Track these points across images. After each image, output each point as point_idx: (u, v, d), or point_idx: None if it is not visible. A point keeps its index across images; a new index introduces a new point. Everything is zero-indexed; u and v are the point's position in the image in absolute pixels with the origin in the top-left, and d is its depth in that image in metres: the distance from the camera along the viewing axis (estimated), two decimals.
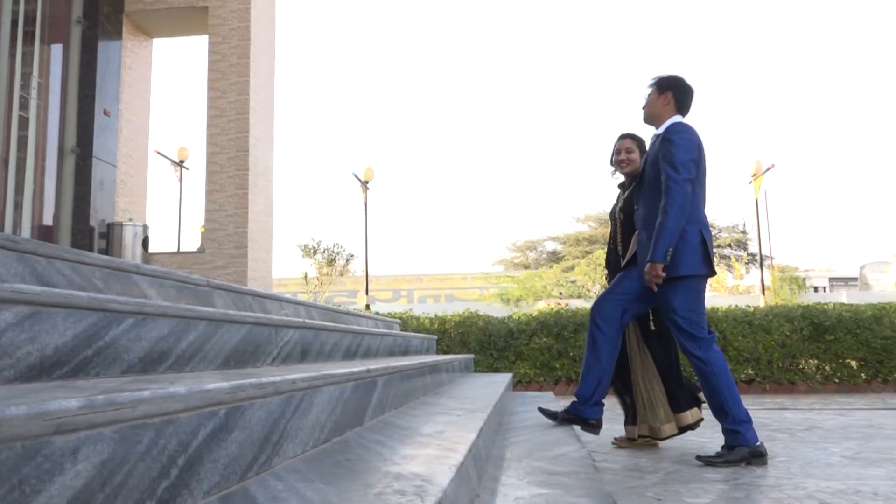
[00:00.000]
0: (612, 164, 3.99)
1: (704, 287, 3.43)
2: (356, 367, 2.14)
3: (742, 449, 3.23)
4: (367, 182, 16.23)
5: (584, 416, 3.53)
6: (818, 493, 2.68)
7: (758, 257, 22.61)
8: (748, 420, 3.26)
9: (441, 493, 1.18)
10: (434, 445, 1.73)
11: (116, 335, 1.43)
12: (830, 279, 34.78)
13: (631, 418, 3.85)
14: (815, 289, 28.67)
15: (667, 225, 3.22)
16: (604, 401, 3.61)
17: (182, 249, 9.82)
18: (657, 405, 3.75)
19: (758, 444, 3.25)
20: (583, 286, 22.32)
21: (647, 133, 3.68)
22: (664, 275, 3.26)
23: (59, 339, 1.25)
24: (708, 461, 3.25)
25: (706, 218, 3.41)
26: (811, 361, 8.75)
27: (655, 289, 3.32)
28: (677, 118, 3.46)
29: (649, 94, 3.55)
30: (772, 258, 21.47)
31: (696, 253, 3.29)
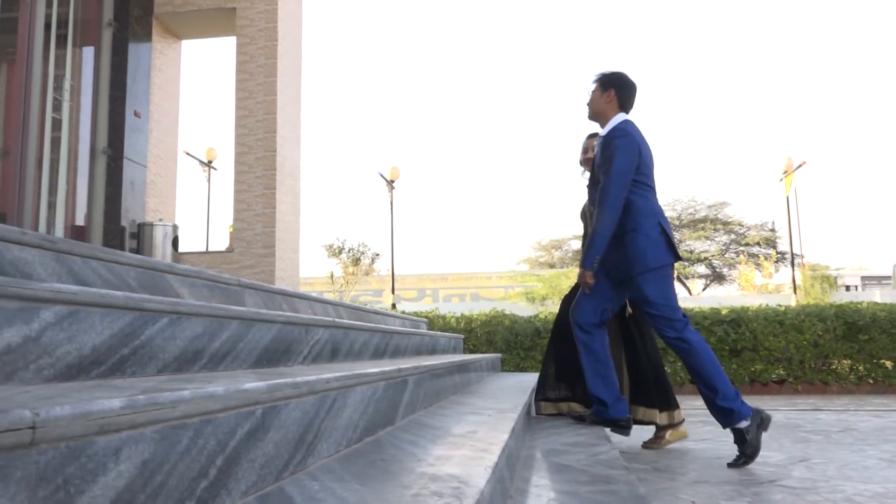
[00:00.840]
0: (580, 163, 4.10)
1: (672, 273, 3.51)
2: (387, 366, 2.14)
3: (748, 428, 3.19)
4: (392, 181, 16.26)
5: (612, 417, 3.49)
6: (857, 497, 2.63)
7: (786, 256, 22.25)
8: (737, 393, 3.27)
9: (478, 494, 1.17)
10: (468, 446, 1.71)
11: (152, 334, 1.43)
12: (863, 278, 34.18)
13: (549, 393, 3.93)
14: (847, 287, 28.21)
15: (596, 236, 3.34)
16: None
17: (211, 249, 9.92)
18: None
19: (752, 412, 3.22)
20: None
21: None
22: (592, 282, 3.40)
23: (96, 339, 1.26)
24: (735, 464, 3.23)
25: (661, 209, 3.48)
26: (844, 362, 8.59)
27: (588, 291, 3.45)
28: (621, 116, 3.50)
29: (592, 92, 3.58)
30: (802, 256, 21.14)
31: (659, 244, 3.36)
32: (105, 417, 0.77)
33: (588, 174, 4.02)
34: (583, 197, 4.18)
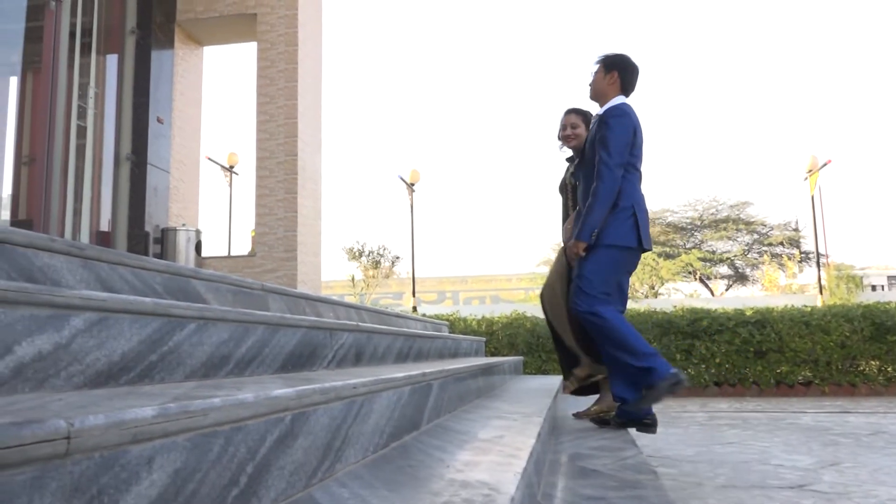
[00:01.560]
0: (559, 138, 4.12)
1: (627, 262, 3.41)
2: (411, 370, 2.13)
3: (659, 385, 3.06)
4: (413, 184, 16.27)
5: (635, 416, 3.44)
6: (891, 502, 2.57)
7: (810, 255, 21.94)
8: (655, 351, 3.17)
9: (509, 501, 1.15)
10: (495, 451, 1.70)
11: (179, 340, 1.43)
12: (889, 277, 33.62)
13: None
14: (873, 287, 27.76)
15: (594, 207, 3.30)
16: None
17: (233, 253, 9.98)
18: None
19: (672, 372, 3.09)
20: (630, 286, 21.93)
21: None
22: (584, 254, 3.35)
23: (125, 345, 1.26)
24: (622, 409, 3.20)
25: (643, 197, 3.45)
26: (872, 363, 8.45)
27: (574, 264, 3.40)
28: (620, 98, 3.50)
29: (595, 72, 3.59)
30: (827, 256, 20.83)
31: (623, 225, 3.33)
32: (138, 426, 0.77)
33: (565, 149, 4.11)
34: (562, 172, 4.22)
